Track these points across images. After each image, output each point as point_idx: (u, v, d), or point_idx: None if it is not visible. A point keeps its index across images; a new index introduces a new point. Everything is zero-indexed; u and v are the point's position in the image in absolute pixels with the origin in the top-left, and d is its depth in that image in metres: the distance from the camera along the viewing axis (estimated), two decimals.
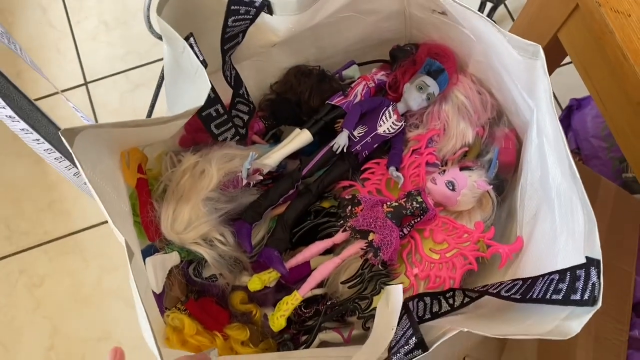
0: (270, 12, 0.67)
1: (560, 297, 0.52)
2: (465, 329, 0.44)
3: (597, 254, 0.50)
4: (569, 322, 0.50)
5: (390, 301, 0.55)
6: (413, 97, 0.78)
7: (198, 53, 0.64)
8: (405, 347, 0.49)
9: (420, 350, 0.48)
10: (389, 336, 0.52)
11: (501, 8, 1.34)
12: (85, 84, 1.36)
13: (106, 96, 1.36)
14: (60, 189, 1.31)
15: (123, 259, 1.34)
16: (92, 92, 1.36)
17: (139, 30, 1.41)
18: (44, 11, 1.42)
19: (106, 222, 1.27)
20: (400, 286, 0.56)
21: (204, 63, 0.65)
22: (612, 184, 1.11)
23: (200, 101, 0.64)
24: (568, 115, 1.26)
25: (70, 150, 0.53)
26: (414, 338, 0.49)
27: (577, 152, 1.24)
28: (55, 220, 1.28)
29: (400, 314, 0.54)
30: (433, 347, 0.47)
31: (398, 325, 0.53)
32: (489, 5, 1.26)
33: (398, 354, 0.49)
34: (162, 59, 1.40)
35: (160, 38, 0.68)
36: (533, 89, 0.64)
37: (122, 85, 1.37)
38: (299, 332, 0.77)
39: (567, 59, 1.08)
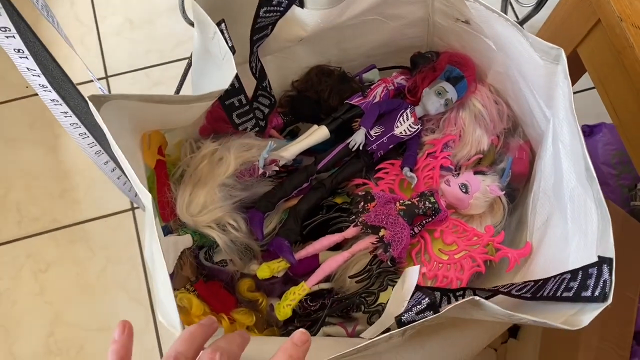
0: (301, 5, 0.69)
1: (570, 294, 0.53)
2: (477, 298, 0.45)
3: (610, 253, 0.51)
4: (577, 317, 0.51)
5: (406, 281, 0.56)
6: (431, 102, 0.79)
7: (228, 39, 0.66)
8: (417, 307, 0.50)
9: (431, 312, 0.49)
10: (399, 311, 0.52)
11: None
12: (106, 77, 1.38)
13: (125, 91, 1.38)
14: (73, 179, 1.32)
15: (129, 252, 1.33)
16: (112, 86, 1.38)
17: (164, 30, 1.43)
18: (72, 5, 1.45)
19: (115, 213, 1.29)
20: (418, 267, 0.57)
21: (233, 49, 0.67)
22: (620, 210, 1.11)
23: (225, 84, 0.65)
24: None
25: (97, 114, 0.53)
26: (426, 299, 0.50)
27: None
28: (65, 209, 1.29)
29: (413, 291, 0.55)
30: (444, 311, 0.47)
31: (410, 299, 0.54)
32: None
33: (410, 312, 0.49)
34: (183, 59, 1.43)
35: (192, 24, 0.70)
36: (552, 96, 0.65)
37: (141, 81, 1.39)
38: (303, 325, 0.77)
39: (579, 87, 1.10)
